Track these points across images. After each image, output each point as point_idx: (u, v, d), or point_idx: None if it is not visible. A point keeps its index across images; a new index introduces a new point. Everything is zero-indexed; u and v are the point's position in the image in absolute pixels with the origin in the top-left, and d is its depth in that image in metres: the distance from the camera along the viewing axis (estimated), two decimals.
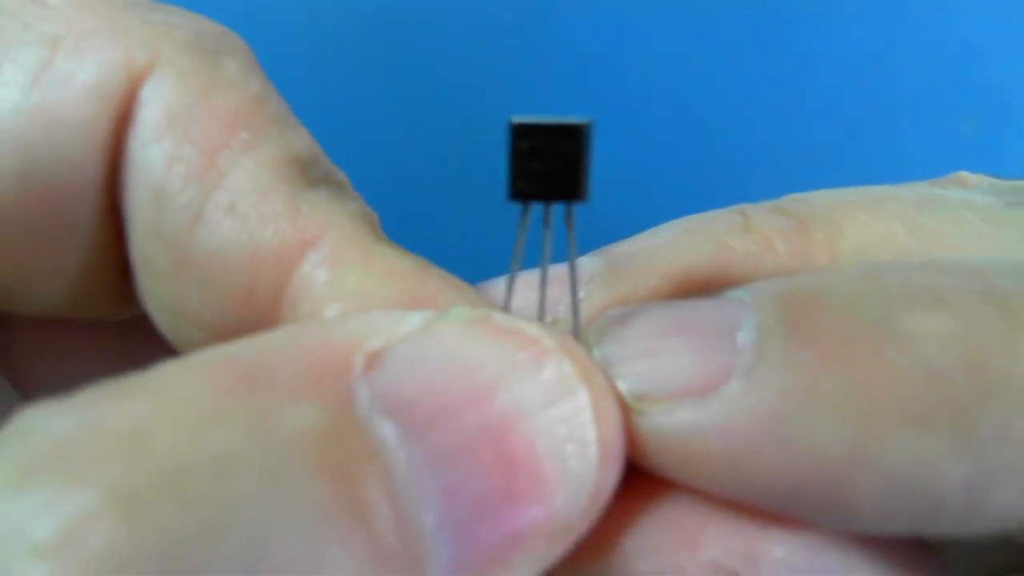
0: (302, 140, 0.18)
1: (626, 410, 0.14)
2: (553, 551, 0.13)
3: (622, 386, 0.14)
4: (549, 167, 0.14)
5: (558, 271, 0.17)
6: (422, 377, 0.12)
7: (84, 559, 0.09)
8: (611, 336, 0.15)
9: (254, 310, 0.17)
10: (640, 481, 0.15)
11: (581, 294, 0.17)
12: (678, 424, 0.13)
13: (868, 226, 0.17)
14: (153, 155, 0.16)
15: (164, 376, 0.12)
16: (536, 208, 0.15)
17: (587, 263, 0.18)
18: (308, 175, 0.17)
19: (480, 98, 0.47)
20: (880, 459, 0.12)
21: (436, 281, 0.16)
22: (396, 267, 0.16)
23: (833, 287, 0.14)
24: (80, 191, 0.17)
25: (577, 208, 0.15)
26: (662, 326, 0.15)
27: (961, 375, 0.12)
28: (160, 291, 0.17)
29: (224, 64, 0.17)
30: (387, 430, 0.12)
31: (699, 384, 0.13)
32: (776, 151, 0.48)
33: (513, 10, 0.47)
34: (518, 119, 0.13)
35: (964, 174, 0.19)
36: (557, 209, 0.15)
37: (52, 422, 0.11)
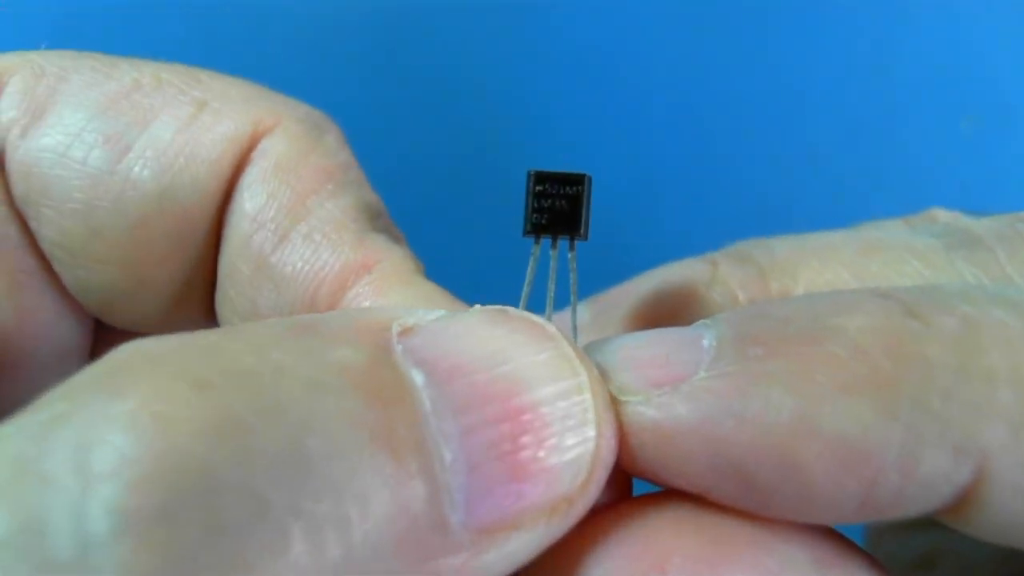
0: (373, 198, 0.22)
1: (613, 402, 0.16)
2: (554, 528, 0.15)
3: (609, 384, 0.17)
4: (558, 208, 0.17)
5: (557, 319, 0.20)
6: (444, 344, 0.15)
7: (164, 422, 0.12)
8: (599, 350, 0.18)
9: None
10: (610, 509, 0.17)
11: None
12: (655, 408, 0.16)
13: (819, 272, 0.20)
14: (257, 190, 0.21)
15: (243, 324, 0.16)
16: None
17: (578, 314, 0.21)
18: (374, 222, 0.22)
19: (476, 116, 0.48)
20: (822, 421, 0.14)
21: (463, 308, 0.20)
22: (432, 293, 0.20)
23: (776, 307, 0.17)
24: (200, 211, 0.21)
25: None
26: (643, 342, 0.17)
27: (882, 354, 0.15)
28: (239, 296, 0.22)
29: (325, 137, 0.22)
30: (416, 375, 0.14)
31: (672, 377, 0.16)
32: (776, 151, 0.49)
33: (514, 12, 0.48)
34: (535, 169, 0.17)
35: (936, 211, 0.21)
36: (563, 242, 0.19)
37: (145, 344, 0.14)
